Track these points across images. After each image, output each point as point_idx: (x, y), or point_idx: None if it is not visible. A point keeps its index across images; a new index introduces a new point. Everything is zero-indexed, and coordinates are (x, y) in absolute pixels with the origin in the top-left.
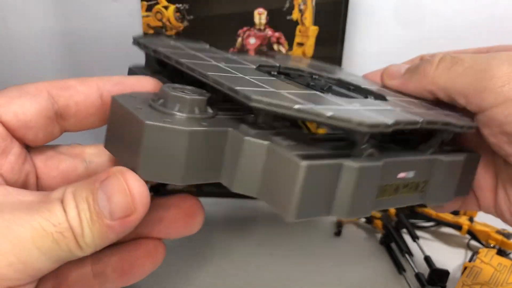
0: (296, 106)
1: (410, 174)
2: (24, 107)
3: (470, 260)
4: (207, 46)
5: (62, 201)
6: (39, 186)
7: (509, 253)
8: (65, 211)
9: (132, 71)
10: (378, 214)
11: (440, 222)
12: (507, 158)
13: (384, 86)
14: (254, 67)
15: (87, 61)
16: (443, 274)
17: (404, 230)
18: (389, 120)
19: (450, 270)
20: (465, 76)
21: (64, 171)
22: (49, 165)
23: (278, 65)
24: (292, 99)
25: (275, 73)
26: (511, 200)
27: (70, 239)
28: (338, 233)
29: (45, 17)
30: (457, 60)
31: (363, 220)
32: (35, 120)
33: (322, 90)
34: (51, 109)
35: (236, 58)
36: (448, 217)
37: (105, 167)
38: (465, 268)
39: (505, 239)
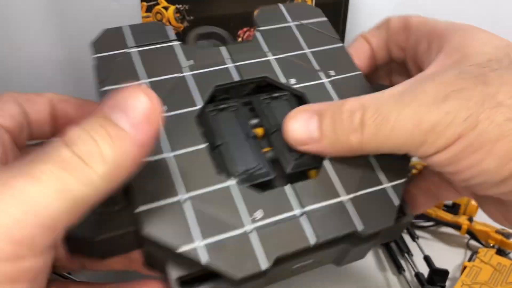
0: (181, 249)
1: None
2: (15, 110)
3: (470, 260)
4: (190, 63)
5: (65, 142)
6: None
7: (509, 253)
8: (70, 145)
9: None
10: None
11: (439, 222)
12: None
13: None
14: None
15: (87, 62)
16: (442, 274)
17: (404, 229)
18: (264, 266)
19: (450, 269)
20: (397, 137)
21: None
22: None
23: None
24: (185, 233)
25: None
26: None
27: (80, 168)
28: None
29: (43, 17)
30: (381, 119)
31: None
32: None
33: (238, 175)
34: (24, 119)
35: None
36: (448, 216)
37: None
38: (464, 268)
39: (504, 239)
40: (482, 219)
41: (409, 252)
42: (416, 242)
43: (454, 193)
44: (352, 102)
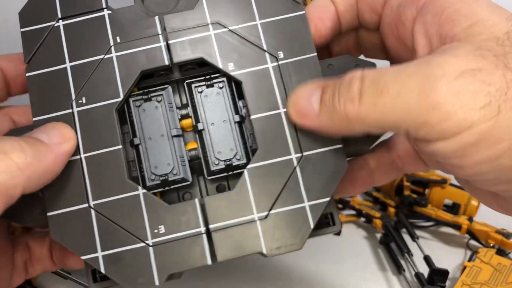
0: (84, 257)
1: None
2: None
3: (470, 260)
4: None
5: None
6: None
7: (509, 253)
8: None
9: None
10: (378, 214)
11: (439, 222)
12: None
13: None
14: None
15: None
16: (442, 274)
17: (404, 229)
18: (158, 282)
19: (450, 269)
20: (397, 111)
21: None
22: None
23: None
24: (89, 241)
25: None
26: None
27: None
28: (338, 232)
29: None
30: (381, 88)
31: (362, 219)
32: None
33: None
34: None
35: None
36: (448, 216)
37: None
38: (464, 268)
39: (504, 239)
40: (482, 219)
41: (409, 252)
42: (416, 242)
43: (422, 166)
44: (355, 72)
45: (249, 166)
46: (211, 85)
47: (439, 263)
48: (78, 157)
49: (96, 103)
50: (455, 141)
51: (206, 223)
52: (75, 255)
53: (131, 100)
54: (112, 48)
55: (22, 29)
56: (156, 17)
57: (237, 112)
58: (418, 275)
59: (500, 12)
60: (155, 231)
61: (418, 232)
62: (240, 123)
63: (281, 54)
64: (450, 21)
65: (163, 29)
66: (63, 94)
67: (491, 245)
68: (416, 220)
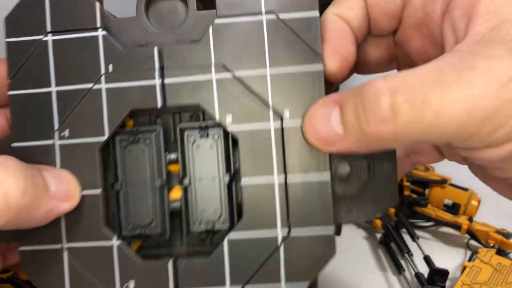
0: None
1: None
2: None
3: (470, 260)
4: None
5: None
6: None
7: (509, 253)
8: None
9: None
10: (378, 214)
11: (439, 222)
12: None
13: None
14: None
15: None
16: (442, 274)
17: (404, 229)
18: None
19: (450, 269)
20: (443, 127)
21: None
22: None
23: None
24: (57, 283)
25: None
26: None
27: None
28: (337, 232)
29: None
30: (420, 103)
31: None
32: None
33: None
34: None
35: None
36: (448, 216)
37: None
38: (464, 268)
39: (504, 239)
40: (482, 219)
41: (409, 252)
42: (416, 242)
43: (438, 158)
44: (377, 84)
45: (231, 235)
46: (206, 135)
47: (439, 263)
48: None
49: (79, 138)
50: (503, 148)
51: (176, 286)
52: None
53: (117, 138)
54: (103, 77)
55: (8, 39)
56: (155, 48)
57: (228, 169)
58: (418, 275)
59: None
60: (125, 285)
61: (418, 232)
62: (229, 183)
63: (287, 114)
64: (477, 17)
65: (161, 64)
66: (46, 121)
67: (491, 245)
68: (416, 220)
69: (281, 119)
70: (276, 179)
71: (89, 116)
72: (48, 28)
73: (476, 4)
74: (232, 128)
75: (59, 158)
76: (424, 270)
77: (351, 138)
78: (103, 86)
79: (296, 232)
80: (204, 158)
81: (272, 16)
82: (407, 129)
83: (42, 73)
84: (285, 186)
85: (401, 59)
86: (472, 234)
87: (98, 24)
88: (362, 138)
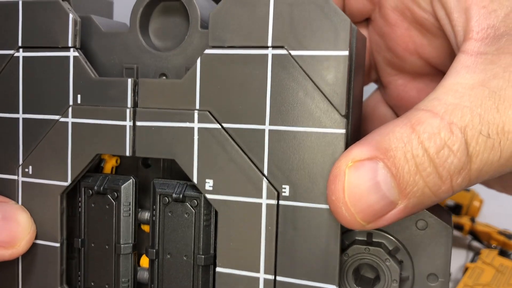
0: None
1: None
2: None
3: (472, 261)
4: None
5: None
6: None
7: (511, 254)
8: None
9: None
10: None
11: None
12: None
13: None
14: None
15: None
16: None
17: None
18: None
19: (452, 270)
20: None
21: None
22: None
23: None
24: None
25: None
26: None
27: None
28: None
29: None
30: (495, 136)
31: None
32: None
33: None
34: None
35: None
36: None
37: None
38: (466, 269)
39: (507, 240)
40: (484, 220)
41: None
42: None
43: None
44: (433, 122)
45: None
46: (182, 200)
47: None
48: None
49: (41, 179)
50: None
51: None
52: None
53: (82, 184)
54: (70, 110)
55: None
56: (129, 80)
57: (207, 248)
58: None
59: None
60: None
61: None
62: (207, 266)
63: (286, 191)
64: (480, 8)
65: (135, 101)
66: (12, 152)
67: (493, 246)
68: None
69: (278, 196)
70: (262, 274)
71: (53, 154)
72: (20, 43)
73: None
74: (211, 196)
75: (21, 196)
76: None
77: (412, 202)
78: (70, 120)
79: None
80: (178, 227)
81: (281, 51)
82: (485, 170)
83: (10, 95)
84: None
85: (380, 56)
86: (474, 235)
87: (70, 43)
88: (424, 200)
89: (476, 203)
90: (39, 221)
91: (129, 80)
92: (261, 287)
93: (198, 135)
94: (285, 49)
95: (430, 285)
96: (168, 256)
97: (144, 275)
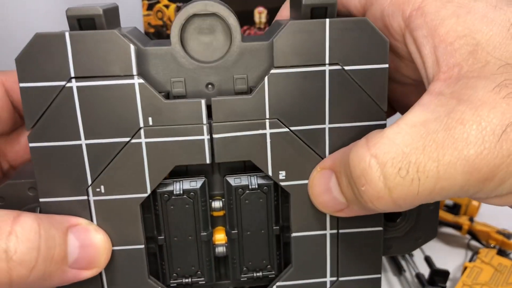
0: None
1: None
2: None
3: (471, 260)
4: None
5: (12, 226)
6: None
7: (510, 253)
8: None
9: None
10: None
11: (440, 222)
12: None
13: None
14: None
15: None
16: (443, 274)
17: None
18: None
19: (451, 270)
20: (443, 191)
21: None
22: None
23: None
24: None
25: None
26: None
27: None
28: None
29: (44, 16)
30: (413, 175)
31: None
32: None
33: None
34: (9, 102)
35: None
36: (449, 217)
37: None
38: (465, 268)
39: (505, 239)
40: (483, 220)
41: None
42: None
43: None
44: (360, 152)
45: (279, 283)
46: (257, 189)
47: (439, 264)
48: None
49: (117, 195)
50: (509, 198)
51: None
52: None
53: (158, 192)
54: (142, 131)
55: (22, 84)
56: (203, 101)
57: (277, 221)
58: (418, 276)
59: (499, 20)
60: None
61: None
62: (278, 234)
63: None
64: (448, 45)
65: (209, 118)
66: (77, 176)
67: (492, 245)
68: None
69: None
70: (328, 231)
71: (127, 171)
72: (72, 74)
73: (439, 26)
74: (284, 183)
75: (95, 213)
76: (425, 270)
77: (355, 208)
78: (143, 140)
79: (345, 279)
80: (253, 210)
81: (336, 67)
82: (407, 200)
83: (68, 124)
84: (337, 238)
85: None
86: (473, 235)
87: (134, 71)
88: (363, 208)
89: (474, 203)
90: (120, 230)
91: (203, 101)
92: (328, 240)
93: (270, 138)
94: (340, 65)
95: None
96: (248, 233)
97: (219, 250)
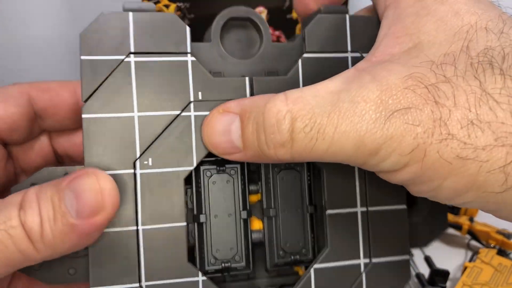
0: None
1: None
2: (8, 111)
3: (471, 260)
4: None
5: (20, 203)
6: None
7: (510, 253)
8: (22, 210)
9: None
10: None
11: None
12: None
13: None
14: None
15: None
16: (443, 274)
17: None
18: None
19: (451, 270)
20: (334, 155)
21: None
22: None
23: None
24: None
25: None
26: None
27: (21, 239)
28: None
29: (44, 18)
30: (315, 132)
31: None
32: (19, 123)
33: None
34: (32, 111)
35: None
36: (449, 217)
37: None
38: (465, 268)
39: (505, 239)
40: (483, 220)
41: (409, 252)
42: None
43: None
44: (279, 106)
45: (316, 266)
46: (291, 167)
47: (439, 264)
48: (134, 228)
49: (163, 168)
50: (395, 176)
51: None
52: None
53: (202, 168)
54: (192, 105)
55: (83, 57)
56: (247, 78)
57: (311, 201)
58: (418, 276)
59: (450, 27)
60: None
61: None
62: (312, 215)
63: None
64: (394, 37)
65: (252, 93)
66: (125, 148)
67: (492, 245)
68: None
69: None
70: (359, 208)
71: (175, 143)
72: (131, 49)
73: (399, 21)
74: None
75: (140, 188)
76: (425, 270)
77: (249, 153)
78: (192, 113)
79: (377, 261)
80: (289, 189)
81: (356, 54)
82: (302, 154)
83: (122, 96)
84: (367, 216)
85: None
86: (473, 235)
87: (188, 49)
88: (260, 155)
89: None
90: (164, 206)
91: (247, 79)
92: (359, 218)
93: None
94: (359, 53)
95: None
96: (285, 212)
97: (255, 236)
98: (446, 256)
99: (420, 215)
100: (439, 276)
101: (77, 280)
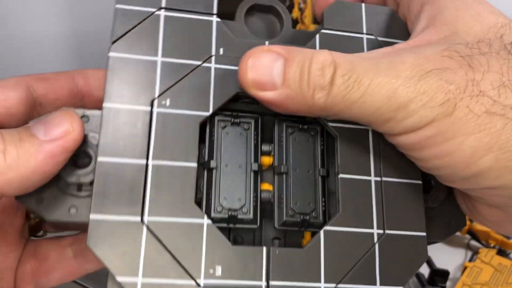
0: (120, 278)
1: None
2: (6, 95)
3: (470, 260)
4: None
5: None
6: None
7: (509, 253)
8: None
9: None
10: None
11: None
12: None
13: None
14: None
15: (91, 61)
16: (443, 274)
17: None
18: None
19: (450, 270)
20: (365, 106)
21: None
22: None
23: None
24: (131, 261)
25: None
26: None
27: None
28: None
29: (47, 17)
30: (353, 82)
31: None
32: (17, 107)
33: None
34: (31, 97)
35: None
36: None
37: None
38: (465, 268)
39: (505, 239)
40: None
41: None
42: None
43: None
44: (326, 55)
45: (327, 227)
46: (305, 130)
47: (439, 264)
48: (144, 161)
49: (180, 110)
50: (416, 135)
51: (268, 278)
52: (95, 259)
53: (217, 118)
54: (213, 58)
55: (118, 5)
56: (267, 42)
57: (323, 165)
58: (418, 276)
59: (486, 22)
60: (210, 271)
61: None
62: (324, 178)
63: None
64: (434, 28)
65: None
66: (146, 87)
67: (492, 245)
68: None
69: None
70: (373, 177)
71: (193, 90)
72: (163, 4)
73: (439, 13)
74: (333, 124)
75: (155, 126)
76: (425, 270)
77: (285, 92)
78: (213, 65)
79: (391, 233)
80: (301, 149)
81: (371, 37)
82: (335, 100)
83: (149, 42)
84: (381, 186)
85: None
86: (473, 234)
87: (215, 11)
88: (296, 96)
89: None
90: (177, 145)
91: (267, 42)
92: (372, 187)
93: None
94: (374, 35)
95: None
96: (297, 171)
97: (264, 195)
98: (446, 256)
99: (440, 198)
100: (439, 276)
101: (77, 220)
